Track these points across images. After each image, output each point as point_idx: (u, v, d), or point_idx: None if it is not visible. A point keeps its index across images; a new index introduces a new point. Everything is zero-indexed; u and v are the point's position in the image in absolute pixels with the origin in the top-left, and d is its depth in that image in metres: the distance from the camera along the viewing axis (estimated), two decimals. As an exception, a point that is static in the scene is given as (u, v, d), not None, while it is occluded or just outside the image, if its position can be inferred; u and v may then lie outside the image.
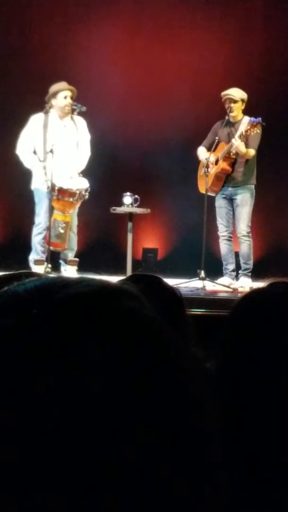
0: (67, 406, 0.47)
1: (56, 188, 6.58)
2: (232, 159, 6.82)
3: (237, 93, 6.85)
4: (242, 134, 6.65)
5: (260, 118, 6.60)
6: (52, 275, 6.08)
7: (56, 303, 0.52)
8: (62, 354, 0.49)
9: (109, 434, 0.47)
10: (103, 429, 0.47)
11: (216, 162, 6.87)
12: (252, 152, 6.75)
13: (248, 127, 6.60)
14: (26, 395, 0.47)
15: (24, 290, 0.54)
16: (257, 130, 6.60)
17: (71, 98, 6.82)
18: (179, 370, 0.52)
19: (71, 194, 6.65)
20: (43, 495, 0.46)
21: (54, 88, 6.84)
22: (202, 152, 7.06)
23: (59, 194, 6.61)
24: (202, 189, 6.98)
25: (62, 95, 6.79)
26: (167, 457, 0.49)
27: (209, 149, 6.98)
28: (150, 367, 0.51)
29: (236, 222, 6.93)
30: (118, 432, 0.47)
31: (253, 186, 6.90)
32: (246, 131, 6.61)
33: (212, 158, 6.82)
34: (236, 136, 6.70)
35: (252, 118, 6.63)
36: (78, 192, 6.64)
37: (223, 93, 6.89)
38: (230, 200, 6.93)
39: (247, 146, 6.70)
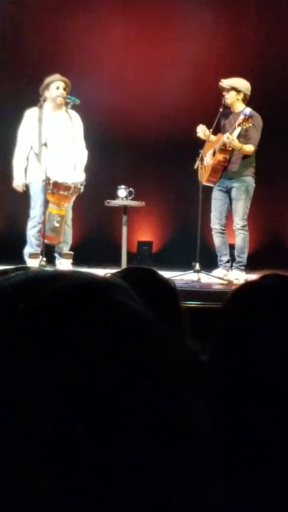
0: (56, 401, 0.47)
1: (51, 181, 6.57)
2: (229, 152, 6.74)
3: (228, 81, 6.74)
4: (237, 129, 6.56)
5: (250, 112, 6.45)
6: (47, 268, 6.08)
7: (42, 298, 0.51)
8: (49, 349, 0.48)
9: (97, 430, 0.47)
10: (93, 425, 0.47)
11: (214, 153, 6.79)
12: (248, 147, 6.62)
13: (241, 120, 6.48)
14: (14, 391, 0.47)
15: (9, 284, 0.53)
16: (249, 124, 6.45)
17: (64, 89, 6.80)
18: (168, 364, 0.52)
19: (66, 187, 6.63)
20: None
21: (47, 80, 6.84)
22: (201, 132, 6.89)
23: (54, 187, 6.60)
24: (202, 179, 6.90)
25: (54, 86, 6.79)
26: (159, 455, 0.48)
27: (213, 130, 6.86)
28: (139, 361, 0.50)
29: (232, 215, 6.86)
30: (104, 427, 0.47)
31: (249, 178, 6.77)
32: (239, 124, 6.50)
33: (210, 152, 6.75)
34: (228, 133, 6.63)
35: (244, 111, 6.51)
36: (73, 185, 6.63)
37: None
38: (226, 192, 6.86)
39: (246, 141, 6.63)
